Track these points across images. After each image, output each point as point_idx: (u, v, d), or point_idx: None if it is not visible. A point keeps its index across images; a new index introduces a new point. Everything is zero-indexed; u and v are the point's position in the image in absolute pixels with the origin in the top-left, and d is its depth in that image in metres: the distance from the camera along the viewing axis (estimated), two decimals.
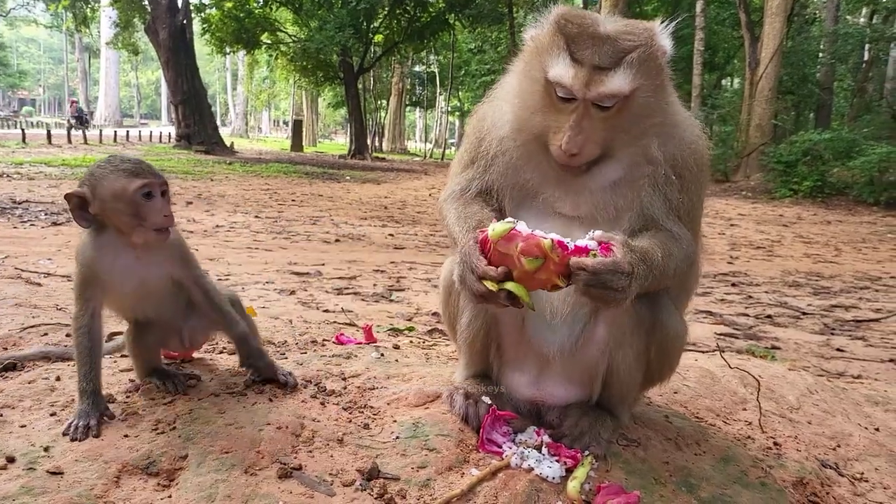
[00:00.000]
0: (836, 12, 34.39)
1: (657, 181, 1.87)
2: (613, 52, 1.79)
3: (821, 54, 33.79)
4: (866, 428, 2.57)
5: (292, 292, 5.81)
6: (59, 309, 3.11)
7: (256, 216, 13.06)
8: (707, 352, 3.23)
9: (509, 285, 1.69)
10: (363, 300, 5.82)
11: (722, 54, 37.80)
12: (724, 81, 42.96)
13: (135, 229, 1.90)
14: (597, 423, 1.99)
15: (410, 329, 4.26)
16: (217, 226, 11.37)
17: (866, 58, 35.93)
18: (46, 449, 1.70)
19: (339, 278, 7.09)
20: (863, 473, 2.25)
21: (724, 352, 2.97)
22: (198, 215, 12.57)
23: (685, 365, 2.79)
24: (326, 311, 4.81)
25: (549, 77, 1.82)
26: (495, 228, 1.72)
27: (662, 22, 1.91)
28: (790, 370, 2.98)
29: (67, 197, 1.91)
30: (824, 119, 32.36)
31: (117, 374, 2.18)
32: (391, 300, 5.93)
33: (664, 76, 1.90)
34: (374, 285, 6.73)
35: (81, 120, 35.87)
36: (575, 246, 1.69)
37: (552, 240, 1.68)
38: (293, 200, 16.46)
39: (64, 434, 1.77)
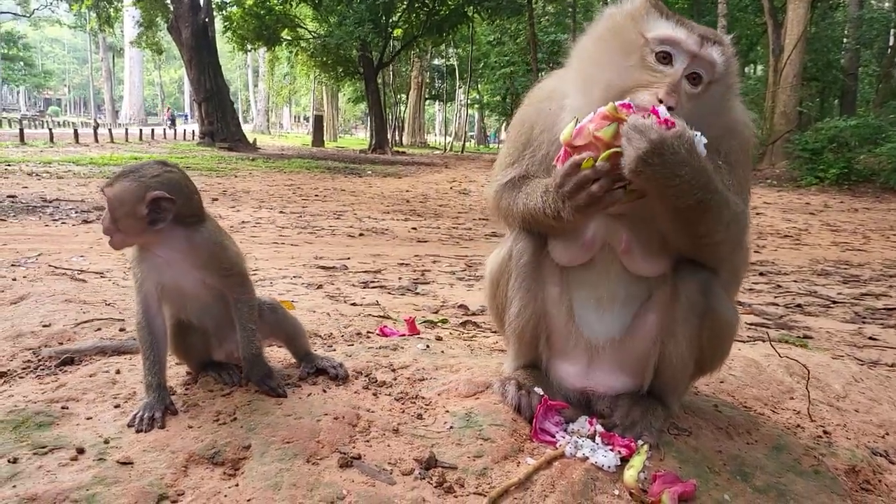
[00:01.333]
0: None
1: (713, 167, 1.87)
2: (715, 35, 1.89)
3: (845, 40, 33.24)
4: None
5: (319, 286, 5.86)
6: (108, 304, 3.17)
7: (281, 211, 13.16)
8: (749, 341, 3.22)
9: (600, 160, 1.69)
10: (389, 293, 5.85)
11: (745, 41, 37.27)
12: (747, 69, 42.45)
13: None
14: (648, 412, 2.00)
15: (444, 321, 4.29)
16: (243, 221, 11.48)
17: (892, 43, 35.27)
18: (113, 440, 1.74)
19: (365, 272, 7.14)
20: None
21: (770, 341, 2.97)
22: (223, 212, 12.69)
23: (730, 355, 2.79)
24: (354, 304, 4.85)
25: (651, 36, 1.84)
26: (563, 134, 1.76)
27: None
28: (834, 359, 2.97)
29: (155, 201, 1.88)
30: (849, 105, 31.87)
31: (174, 367, 2.23)
32: (417, 293, 5.96)
33: (736, 79, 1.97)
34: (399, 278, 6.77)
35: (174, 122, 36.81)
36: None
37: (613, 104, 1.70)
38: (316, 195, 16.55)
39: (129, 426, 1.81)
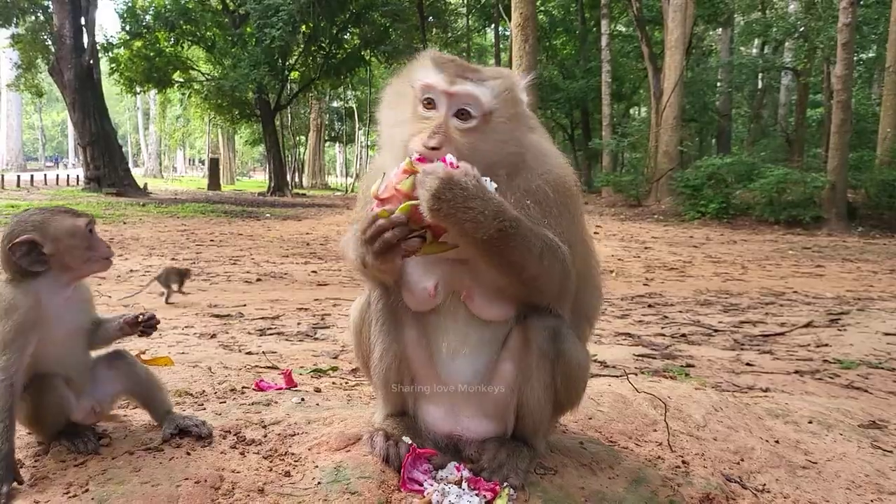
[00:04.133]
0: (731, 44, 36.66)
1: (519, 207, 1.96)
2: (476, 72, 2.02)
3: (719, 84, 35.87)
4: (767, 441, 2.74)
5: (213, 336, 5.70)
6: None
7: (173, 258, 12.70)
8: (619, 376, 3.37)
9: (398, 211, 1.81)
10: (287, 340, 5.75)
11: (629, 85, 39.61)
12: (632, 111, 44.88)
13: (86, 262, 2.09)
14: (514, 454, 2.05)
15: (334, 369, 4.24)
16: (131, 270, 11.00)
17: (760, 86, 38.36)
18: None
19: (262, 318, 6.99)
20: (765, 485, 2.39)
21: (630, 376, 3.11)
22: None
23: (599, 391, 2.91)
24: (249, 353, 4.74)
25: (417, 86, 1.99)
26: (372, 188, 1.90)
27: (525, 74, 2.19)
28: (696, 389, 3.14)
29: (15, 246, 1.98)
30: (725, 144, 34.27)
31: (24, 437, 2.10)
32: (316, 338, 5.88)
33: (521, 108, 2.09)
34: (298, 324, 6.66)
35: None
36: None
37: (409, 158, 1.84)
38: (212, 241, 16.11)
39: None
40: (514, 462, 2.03)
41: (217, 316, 7.05)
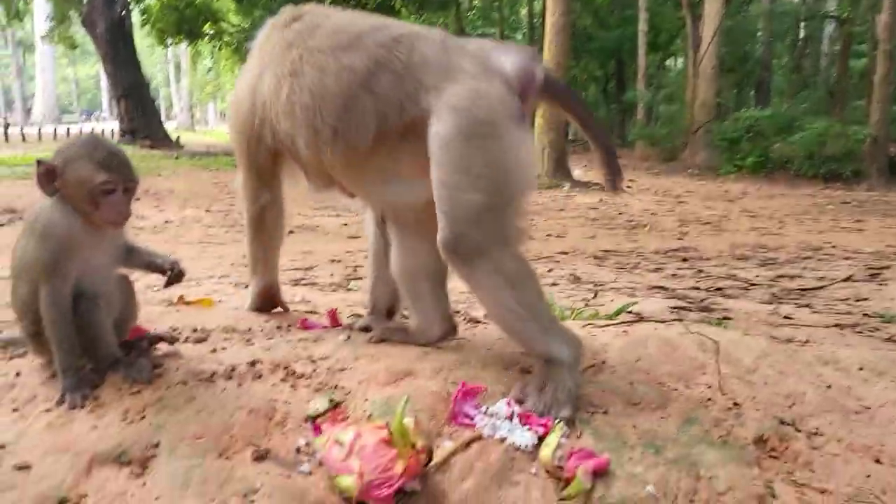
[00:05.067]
0: None
1: None
2: None
3: (759, 33, 34.66)
4: (818, 386, 2.67)
5: (248, 285, 5.73)
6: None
7: (207, 210, 12.82)
8: (666, 321, 3.32)
9: None
10: (320, 290, 5.76)
11: (665, 35, 38.41)
12: (668, 62, 43.75)
13: (89, 215, 1.97)
14: (558, 387, 2.04)
15: None
16: (167, 221, 11.15)
17: (802, 35, 36.98)
18: (9, 445, 1.65)
19: (295, 269, 7.01)
20: (818, 428, 2.34)
21: (682, 320, 3.06)
22: (146, 211, 12.26)
23: (644, 334, 2.86)
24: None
25: None
26: None
27: None
28: (745, 335, 3.08)
29: (38, 163, 1.95)
30: (764, 96, 33.28)
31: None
32: (349, 289, 5.89)
33: None
34: (332, 275, 6.68)
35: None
36: None
37: None
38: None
39: (58, 403, 1.83)
40: (559, 395, 2.02)
41: None
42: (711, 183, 21.42)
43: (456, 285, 2.43)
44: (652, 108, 34.59)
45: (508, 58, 2.17)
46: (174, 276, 2.24)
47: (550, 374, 2.08)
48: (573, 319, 3.69)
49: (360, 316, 3.61)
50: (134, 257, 2.22)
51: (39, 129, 36.84)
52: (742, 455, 2.03)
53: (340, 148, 2.23)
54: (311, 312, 3.77)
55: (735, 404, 2.36)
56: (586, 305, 5.17)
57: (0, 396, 1.90)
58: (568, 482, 1.74)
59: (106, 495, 1.49)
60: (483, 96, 2.07)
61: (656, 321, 3.32)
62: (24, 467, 1.55)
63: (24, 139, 32.27)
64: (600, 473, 1.78)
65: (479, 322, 4.01)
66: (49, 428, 1.74)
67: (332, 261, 7.84)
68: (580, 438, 1.93)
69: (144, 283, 5.62)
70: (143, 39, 37.90)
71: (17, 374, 2.05)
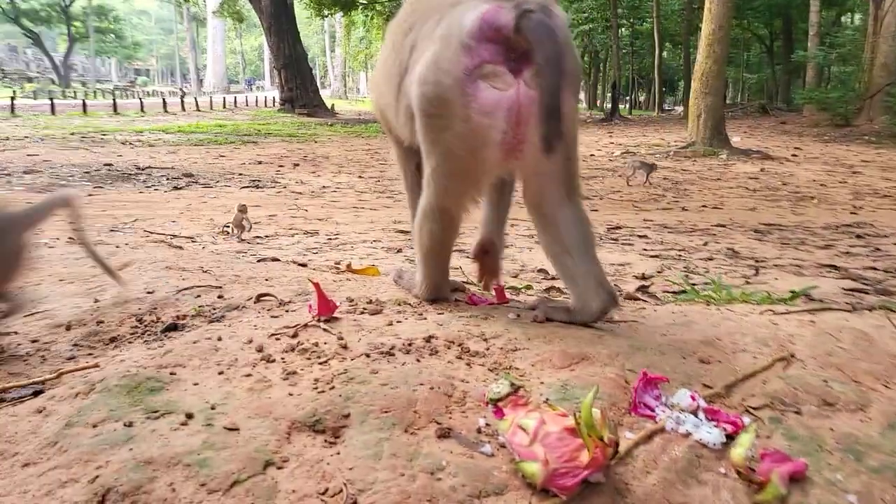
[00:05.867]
0: None
1: None
2: None
3: None
4: None
5: (399, 250, 5.90)
6: (205, 271, 3.28)
7: (360, 176, 13.31)
8: (858, 310, 3.05)
9: None
10: (468, 258, 5.81)
11: None
12: (843, 18, 39.80)
13: None
14: None
15: (528, 287, 4.24)
16: (323, 186, 11.69)
17: None
18: (219, 406, 1.79)
19: None
20: None
21: (872, 309, 2.79)
22: (305, 177, 12.94)
23: (836, 325, 2.65)
24: None
25: None
26: None
27: None
28: None
29: None
30: None
31: (271, 336, 2.28)
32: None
33: None
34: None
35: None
36: None
37: None
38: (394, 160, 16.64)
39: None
40: None
41: (402, 231, 7.28)
42: (891, 151, 19.39)
43: (607, 257, 2.35)
44: (823, 69, 31.66)
45: (474, 12, 2.12)
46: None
47: None
48: (742, 302, 3.47)
49: (515, 288, 3.60)
50: None
51: (210, 98, 39.72)
52: None
53: None
54: (466, 283, 3.82)
55: None
56: (747, 283, 4.87)
57: (206, 359, 2.07)
58: (761, 486, 1.64)
59: (305, 461, 1.57)
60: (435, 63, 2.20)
61: (844, 310, 3.05)
62: (233, 429, 1.67)
63: (197, 108, 34.91)
64: (797, 479, 1.66)
65: (636, 299, 3.89)
66: (250, 392, 1.87)
67: (475, 227, 7.86)
68: (770, 439, 1.81)
69: (304, 247, 5.93)
70: (302, 11, 39.60)
71: (219, 339, 2.22)
